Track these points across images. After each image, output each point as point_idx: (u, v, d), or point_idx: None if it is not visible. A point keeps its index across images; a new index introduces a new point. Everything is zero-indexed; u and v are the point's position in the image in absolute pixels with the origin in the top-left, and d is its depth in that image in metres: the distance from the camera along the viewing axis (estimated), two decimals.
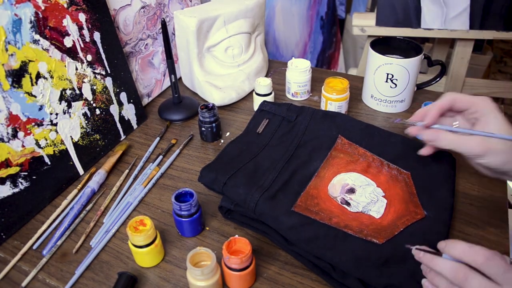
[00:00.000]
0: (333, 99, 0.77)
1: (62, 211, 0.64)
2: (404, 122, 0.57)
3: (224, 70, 0.88)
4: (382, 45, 0.79)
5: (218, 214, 0.62)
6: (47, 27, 0.62)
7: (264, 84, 0.80)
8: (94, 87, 0.72)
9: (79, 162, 0.70)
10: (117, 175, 0.71)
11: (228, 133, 0.79)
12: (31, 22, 0.60)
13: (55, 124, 0.65)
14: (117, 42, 0.75)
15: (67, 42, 0.66)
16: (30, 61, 0.60)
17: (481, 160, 0.51)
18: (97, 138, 0.74)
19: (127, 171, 0.71)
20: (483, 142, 0.50)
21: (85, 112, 0.71)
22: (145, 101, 0.88)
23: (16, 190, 0.61)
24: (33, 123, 0.62)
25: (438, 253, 0.44)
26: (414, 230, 0.53)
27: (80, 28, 0.67)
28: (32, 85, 0.61)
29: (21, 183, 0.61)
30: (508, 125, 0.51)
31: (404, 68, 0.75)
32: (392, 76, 0.76)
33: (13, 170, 0.60)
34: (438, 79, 0.83)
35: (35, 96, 0.62)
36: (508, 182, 0.67)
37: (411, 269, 0.48)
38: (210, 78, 0.86)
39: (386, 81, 0.77)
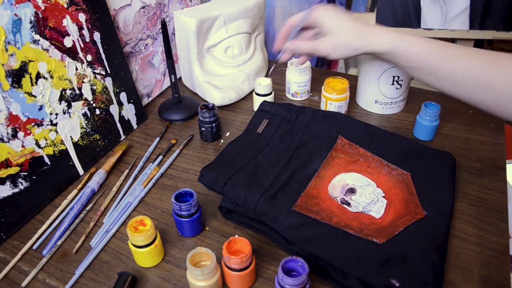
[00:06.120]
0: (333, 99, 0.77)
1: (62, 211, 0.64)
2: (278, 60, 0.71)
3: (224, 70, 0.88)
4: None
5: (218, 214, 0.62)
6: (47, 27, 0.62)
7: (264, 84, 0.80)
8: (94, 87, 0.72)
9: (79, 162, 0.70)
10: (117, 175, 0.71)
11: (228, 133, 0.79)
12: (31, 22, 0.60)
13: (55, 124, 0.65)
14: (117, 42, 0.75)
15: (67, 42, 0.66)
16: (30, 61, 0.60)
17: (331, 56, 0.63)
18: (97, 138, 0.74)
19: (127, 171, 0.71)
20: (329, 41, 0.63)
21: (85, 112, 0.71)
22: (145, 101, 0.88)
23: (16, 190, 0.61)
24: (33, 123, 0.62)
25: None
26: (414, 230, 0.53)
27: (80, 28, 0.67)
28: (32, 85, 0.61)
29: (21, 183, 0.61)
30: (336, 15, 0.63)
31: None
32: (398, 77, 0.76)
33: (13, 170, 0.60)
34: None
35: (35, 96, 0.62)
36: (508, 180, 0.68)
37: (411, 269, 0.48)
38: (210, 78, 0.86)
39: (392, 84, 0.77)
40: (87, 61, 0.69)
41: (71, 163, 0.69)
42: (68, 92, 0.67)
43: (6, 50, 0.57)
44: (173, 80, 0.80)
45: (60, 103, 0.66)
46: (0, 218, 0.59)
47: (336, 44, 0.62)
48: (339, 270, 0.50)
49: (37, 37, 0.61)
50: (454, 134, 0.74)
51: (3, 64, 0.57)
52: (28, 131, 0.61)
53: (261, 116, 0.71)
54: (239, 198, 0.56)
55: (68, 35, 0.66)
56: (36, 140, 0.63)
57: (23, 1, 0.58)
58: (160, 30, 0.88)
